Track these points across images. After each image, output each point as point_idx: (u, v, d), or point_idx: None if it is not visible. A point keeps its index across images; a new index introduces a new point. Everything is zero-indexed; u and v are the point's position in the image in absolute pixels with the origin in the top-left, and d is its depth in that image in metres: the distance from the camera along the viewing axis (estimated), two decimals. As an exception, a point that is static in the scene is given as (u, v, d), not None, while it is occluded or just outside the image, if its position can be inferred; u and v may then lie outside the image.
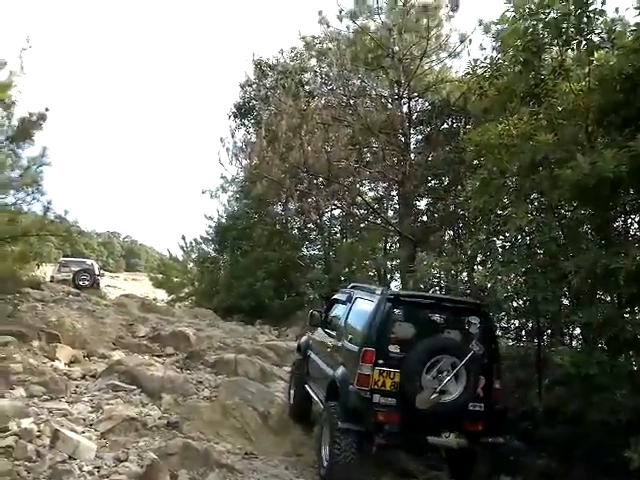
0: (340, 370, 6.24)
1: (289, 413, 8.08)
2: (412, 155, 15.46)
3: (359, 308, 6.64)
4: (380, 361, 5.73)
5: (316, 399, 7.20)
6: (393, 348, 5.80)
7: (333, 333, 7.23)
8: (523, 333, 8.67)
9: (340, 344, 6.68)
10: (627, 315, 6.49)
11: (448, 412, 5.68)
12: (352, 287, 7.59)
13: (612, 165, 5.64)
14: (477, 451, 5.94)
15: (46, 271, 19.87)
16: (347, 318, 6.88)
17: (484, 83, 7.54)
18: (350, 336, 6.47)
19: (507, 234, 8.31)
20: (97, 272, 23.12)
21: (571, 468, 6.45)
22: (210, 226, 24.36)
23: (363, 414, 5.69)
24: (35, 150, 9.81)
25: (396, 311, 5.99)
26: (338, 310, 7.56)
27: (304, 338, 8.76)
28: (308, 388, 7.65)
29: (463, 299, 7.05)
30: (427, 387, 5.62)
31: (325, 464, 5.97)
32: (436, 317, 6.08)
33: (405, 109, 16.06)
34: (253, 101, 21.28)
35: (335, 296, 8.13)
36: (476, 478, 6.16)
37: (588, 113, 6.69)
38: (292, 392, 8.25)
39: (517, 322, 8.79)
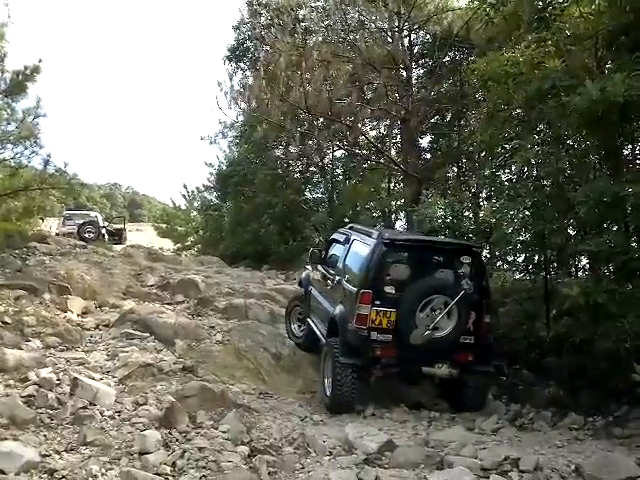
0: (339, 308, 6.69)
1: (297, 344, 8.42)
2: (415, 90, 15.06)
3: (356, 250, 6.97)
4: (377, 302, 6.17)
5: (318, 333, 7.59)
6: (389, 289, 6.24)
7: (332, 271, 7.54)
8: (530, 266, 8.67)
9: (339, 284, 7.03)
10: (635, 244, 6.49)
11: (440, 346, 6.19)
12: (349, 228, 7.86)
13: (622, 90, 5.47)
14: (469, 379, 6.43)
15: (51, 225, 19.93)
16: (345, 259, 7.22)
17: (490, 10, 7.24)
18: (348, 276, 6.86)
19: (513, 167, 8.21)
20: (102, 224, 23.11)
21: (579, 396, 6.59)
22: (211, 173, 24.19)
23: (362, 350, 6.20)
24: (30, 102, 9.61)
25: (391, 254, 6.35)
26: (337, 249, 7.90)
27: (305, 273, 9.10)
28: (310, 322, 8.06)
29: (455, 240, 7.30)
30: (421, 324, 6.11)
31: (328, 393, 6.50)
32: (429, 258, 6.50)
33: (406, 42, 15.56)
34: (248, 42, 20.60)
35: (333, 236, 8.47)
36: (472, 404, 6.66)
37: (597, 37, 6.45)
38: (294, 327, 8.73)
39: (524, 256, 8.78)
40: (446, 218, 9.51)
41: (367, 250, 6.54)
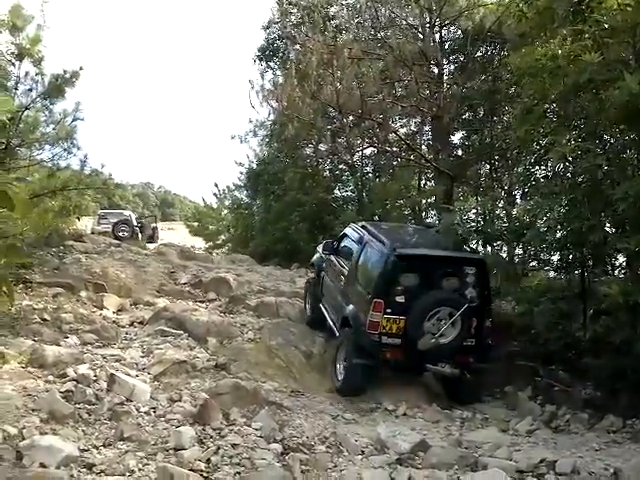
0: (352, 309, 7.26)
1: (306, 322, 9.23)
2: (446, 87, 14.89)
3: (369, 255, 7.47)
4: (388, 310, 6.73)
5: (330, 323, 8.23)
6: (399, 298, 6.78)
7: (345, 269, 8.06)
8: (565, 265, 8.48)
9: (352, 284, 7.60)
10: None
11: (445, 350, 6.78)
12: (362, 227, 8.22)
13: (663, 83, 5.30)
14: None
15: (86, 224, 20.36)
16: (358, 261, 7.69)
17: (522, 5, 7.09)
18: (360, 279, 7.45)
19: (549, 164, 8.03)
20: (135, 223, 23.52)
21: (617, 398, 6.43)
22: (241, 172, 24.31)
23: (373, 352, 6.79)
24: (68, 105, 9.82)
25: (402, 265, 6.84)
26: (349, 246, 8.36)
27: (316, 256, 9.72)
28: (323, 309, 8.70)
29: (460, 253, 7.62)
30: (427, 332, 6.69)
31: (340, 378, 7.16)
32: (437, 270, 7.00)
33: (437, 38, 15.39)
34: (278, 42, 20.66)
35: (345, 231, 8.94)
36: (468, 398, 7.28)
37: (636, 29, 6.25)
38: (308, 306, 9.51)
39: (558, 254, 8.60)
40: (478, 223, 9.40)
41: (379, 258, 7.07)
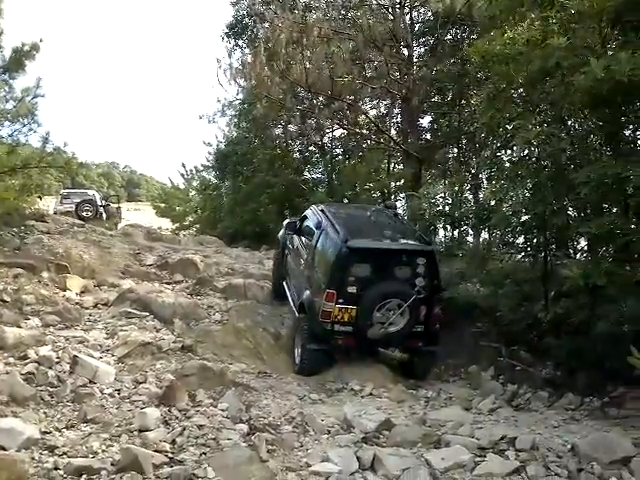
0: (308, 295, 7.60)
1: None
2: (416, 69, 14.89)
3: (326, 245, 7.67)
4: (340, 300, 7.05)
5: (291, 303, 8.55)
6: (351, 289, 7.08)
7: (305, 248, 8.41)
8: (529, 248, 8.65)
9: (310, 268, 7.91)
10: (635, 226, 6.46)
11: (394, 337, 7.17)
12: (321, 211, 8.38)
13: (627, 69, 5.39)
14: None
15: (48, 204, 19.83)
16: (316, 247, 7.90)
17: (494, -15, 7.11)
18: (317, 266, 7.73)
19: (515, 148, 8.13)
20: (99, 203, 22.98)
21: (575, 377, 6.64)
22: (209, 153, 24.03)
23: (326, 339, 7.16)
24: (29, 81, 9.52)
25: (354, 257, 7.10)
26: (309, 227, 8.55)
27: (281, 232, 10.01)
28: (285, 285, 9.11)
29: (410, 245, 7.72)
30: (377, 322, 7.07)
31: (297, 361, 7.49)
32: (388, 261, 7.30)
33: (407, 19, 15.33)
34: (246, 19, 20.29)
35: (306, 213, 9.15)
36: (418, 375, 7.68)
37: (602, 15, 6.33)
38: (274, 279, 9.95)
39: (523, 237, 8.76)
40: (445, 207, 9.51)
41: (333, 249, 7.34)
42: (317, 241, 7.92)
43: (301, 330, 7.53)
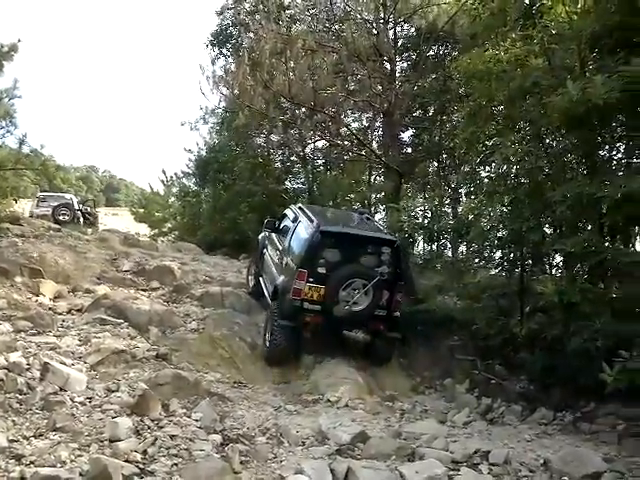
0: (282, 279, 8.08)
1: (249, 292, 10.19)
2: (398, 83, 15.05)
3: (300, 232, 8.26)
4: (311, 279, 7.60)
5: (265, 294, 9.03)
6: (321, 269, 7.65)
7: (281, 244, 8.90)
8: (505, 263, 8.75)
9: (285, 257, 8.42)
10: (609, 244, 6.59)
11: (358, 317, 7.67)
12: (299, 208, 9.02)
13: (602, 92, 5.51)
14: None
15: (24, 207, 19.47)
16: (291, 237, 8.50)
17: (479, 5, 7.24)
18: (291, 253, 8.25)
19: (493, 165, 8.25)
20: (77, 207, 22.65)
21: (549, 391, 6.71)
22: (190, 159, 23.84)
23: (296, 316, 7.59)
24: (6, 82, 9.36)
25: (325, 241, 7.69)
26: (287, 224, 9.13)
27: (262, 235, 10.54)
28: (261, 281, 9.56)
29: (377, 234, 8.39)
30: (342, 301, 7.56)
31: (267, 347, 7.81)
32: (356, 247, 7.86)
33: (391, 35, 15.51)
34: (231, 28, 20.29)
35: (286, 211, 9.74)
36: (379, 360, 8.15)
37: (581, 38, 6.48)
38: (250, 278, 10.54)
39: (500, 252, 8.86)
40: (424, 220, 9.63)
41: (306, 234, 7.92)
42: (293, 231, 8.50)
43: (272, 313, 7.89)
